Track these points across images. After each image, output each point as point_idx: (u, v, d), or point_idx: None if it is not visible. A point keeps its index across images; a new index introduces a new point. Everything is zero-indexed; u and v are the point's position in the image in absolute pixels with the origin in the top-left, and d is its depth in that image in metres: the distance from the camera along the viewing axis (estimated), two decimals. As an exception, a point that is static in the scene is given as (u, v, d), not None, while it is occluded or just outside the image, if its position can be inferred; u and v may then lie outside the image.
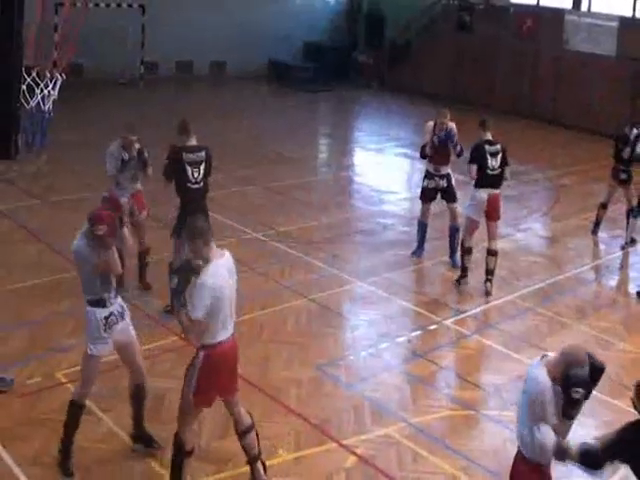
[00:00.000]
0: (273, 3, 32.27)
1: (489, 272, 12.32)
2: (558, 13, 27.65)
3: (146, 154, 10.98)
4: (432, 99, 28.42)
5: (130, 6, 28.06)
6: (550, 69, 27.62)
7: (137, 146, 10.98)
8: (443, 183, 13.08)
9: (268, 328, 10.63)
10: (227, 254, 6.99)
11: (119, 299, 7.58)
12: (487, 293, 12.24)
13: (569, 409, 5.61)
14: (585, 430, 8.67)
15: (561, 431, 5.68)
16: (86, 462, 7.57)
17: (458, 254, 12.94)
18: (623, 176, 14.83)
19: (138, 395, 7.82)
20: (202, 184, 10.40)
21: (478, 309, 11.75)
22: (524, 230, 15.75)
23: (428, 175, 13.19)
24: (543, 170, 20.77)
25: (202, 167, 10.33)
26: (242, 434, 7.31)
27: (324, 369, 9.66)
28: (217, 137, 20.45)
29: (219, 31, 30.38)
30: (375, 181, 18.85)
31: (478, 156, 11.95)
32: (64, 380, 8.90)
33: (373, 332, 10.85)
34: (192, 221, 6.98)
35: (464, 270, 12.55)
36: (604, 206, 15.24)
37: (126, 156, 10.89)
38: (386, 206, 16.68)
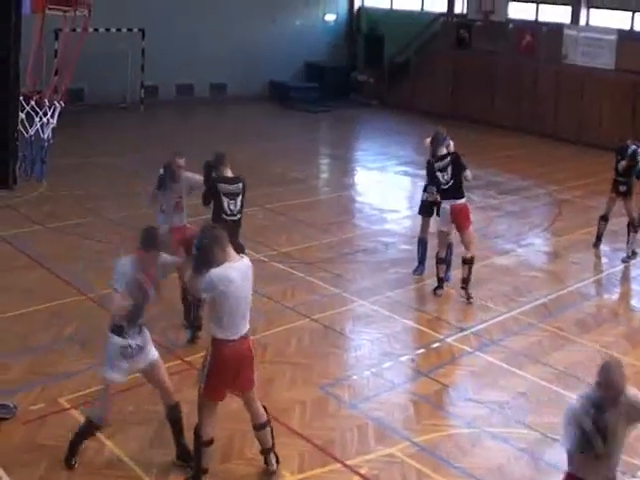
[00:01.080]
0: (272, 24, 32.40)
1: (464, 280, 12.52)
2: (557, 28, 27.77)
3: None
4: (432, 117, 28.50)
5: (130, 30, 28.20)
6: (550, 84, 27.71)
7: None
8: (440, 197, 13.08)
9: (271, 349, 10.62)
10: (245, 260, 7.37)
11: (143, 332, 7.65)
12: (468, 298, 12.45)
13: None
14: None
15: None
16: (90, 488, 7.57)
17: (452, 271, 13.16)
18: (622, 188, 14.84)
19: (172, 415, 7.96)
20: (238, 216, 10.38)
21: (480, 326, 11.73)
22: (526, 245, 15.75)
23: (426, 189, 13.24)
24: (544, 185, 20.78)
25: (239, 199, 10.31)
26: (257, 428, 7.73)
27: (327, 389, 9.64)
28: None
29: (219, 53, 30.54)
30: (376, 200, 18.89)
31: (430, 174, 12.54)
32: (68, 406, 8.88)
33: (376, 351, 10.83)
34: (210, 229, 7.40)
35: (439, 280, 12.71)
36: (604, 219, 15.25)
37: (161, 171, 10.82)
38: (388, 225, 16.70)
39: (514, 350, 10.94)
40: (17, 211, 16.16)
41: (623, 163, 14.61)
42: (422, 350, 10.90)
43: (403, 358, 10.63)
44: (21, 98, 17.58)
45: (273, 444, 7.83)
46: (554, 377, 10.19)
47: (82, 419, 8.41)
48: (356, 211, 18.26)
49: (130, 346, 7.52)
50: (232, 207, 10.29)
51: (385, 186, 20.67)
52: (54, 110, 18.20)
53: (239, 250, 8.73)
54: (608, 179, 15.59)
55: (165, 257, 7.72)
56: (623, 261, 14.65)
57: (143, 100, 29.00)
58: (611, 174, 15.20)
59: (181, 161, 10.89)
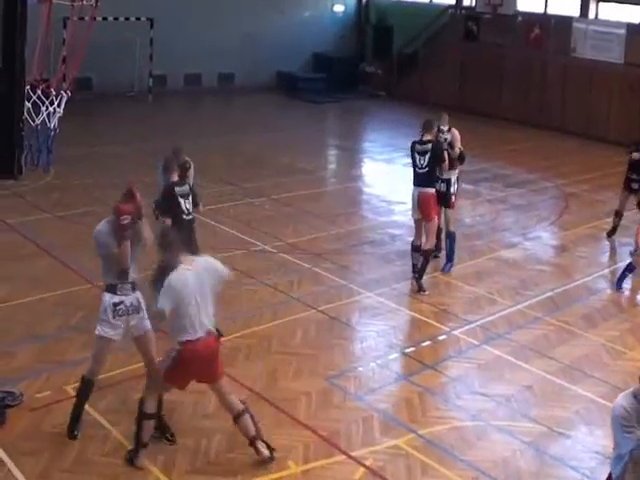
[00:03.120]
0: (281, 14, 32.35)
1: (417, 270, 12.50)
2: (565, 21, 27.66)
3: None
4: (440, 109, 28.40)
5: (138, 19, 28.16)
6: (558, 77, 27.61)
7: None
8: (442, 187, 13.04)
9: (277, 340, 10.63)
10: (197, 261, 7.69)
11: (137, 293, 8.03)
12: (419, 290, 12.41)
13: None
14: (593, 439, 8.70)
15: None
16: (95, 476, 7.58)
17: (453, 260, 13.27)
18: (635, 186, 14.84)
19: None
20: (191, 216, 10.67)
21: (487, 319, 11.72)
22: (533, 239, 15.72)
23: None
24: (551, 178, 20.74)
25: (190, 198, 10.64)
26: (235, 419, 7.84)
27: (333, 380, 9.65)
28: (226, 149, 20.54)
29: (227, 43, 30.48)
30: (384, 191, 18.86)
31: (411, 155, 12.50)
32: (74, 394, 8.86)
33: (382, 343, 10.83)
34: (164, 234, 7.97)
35: (413, 266, 12.69)
36: (617, 214, 15.23)
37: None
38: (395, 216, 16.68)
39: (520, 343, 10.93)
40: (24, 199, 16.18)
41: (636, 155, 14.59)
42: (428, 342, 10.90)
43: (409, 350, 10.63)
44: (28, 87, 17.67)
45: (257, 430, 7.87)
46: (560, 371, 10.19)
47: (87, 407, 8.48)
48: (363, 202, 18.24)
49: (123, 303, 7.90)
50: (188, 206, 10.57)
51: (392, 178, 20.63)
52: (61, 99, 18.20)
53: (196, 250, 9.34)
54: (615, 173, 15.58)
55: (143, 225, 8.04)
56: (630, 254, 14.52)
57: (151, 89, 28.95)
58: (618, 168, 15.17)
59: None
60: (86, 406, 8.47)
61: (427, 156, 12.25)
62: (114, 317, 7.90)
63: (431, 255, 12.65)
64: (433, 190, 12.46)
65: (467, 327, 11.41)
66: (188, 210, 10.55)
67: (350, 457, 8.12)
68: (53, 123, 18.26)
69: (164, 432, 8.20)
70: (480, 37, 30.11)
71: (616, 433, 5.88)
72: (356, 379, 9.77)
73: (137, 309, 8.01)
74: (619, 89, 25.86)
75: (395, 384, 9.82)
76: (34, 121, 18.18)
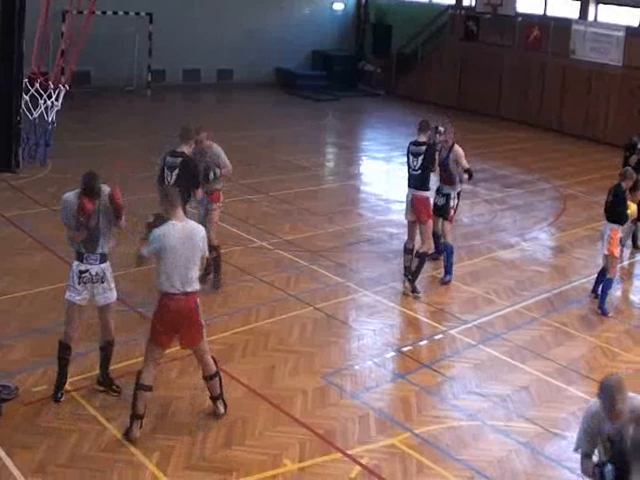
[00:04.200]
0: (280, 11, 32.36)
1: (412, 272, 12.44)
2: (565, 23, 27.70)
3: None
4: (439, 108, 28.49)
5: (138, 14, 28.15)
6: (557, 79, 27.65)
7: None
8: (441, 200, 13.01)
9: (274, 337, 10.62)
10: (191, 223, 8.24)
11: (104, 265, 8.51)
12: (412, 291, 12.34)
13: None
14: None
15: None
16: (90, 470, 7.56)
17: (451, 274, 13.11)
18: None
19: (106, 349, 8.88)
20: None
21: (484, 319, 11.73)
22: (530, 239, 15.73)
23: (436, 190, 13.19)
24: (549, 179, 20.77)
25: (174, 173, 10.86)
26: (207, 379, 8.46)
27: (329, 378, 9.64)
28: (223, 145, 20.45)
29: (226, 39, 30.51)
30: (382, 190, 18.87)
31: (407, 156, 12.49)
32: (69, 388, 8.88)
33: (379, 342, 10.83)
34: (164, 188, 8.70)
35: (404, 269, 12.66)
36: None
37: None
38: (393, 215, 16.66)
39: (517, 344, 10.94)
40: (22, 193, 16.16)
41: (634, 157, 14.59)
42: (425, 341, 10.91)
43: (406, 349, 10.63)
44: (26, 80, 17.62)
45: (221, 392, 8.52)
46: (556, 371, 10.20)
47: (83, 402, 8.48)
48: (361, 201, 18.23)
49: (88, 272, 8.43)
50: (169, 179, 10.86)
51: (390, 176, 20.66)
52: (59, 93, 18.15)
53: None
54: (614, 175, 15.49)
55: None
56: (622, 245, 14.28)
57: (150, 84, 28.95)
58: (616, 170, 15.13)
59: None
60: (82, 401, 8.48)
61: (420, 158, 12.17)
62: (79, 283, 8.43)
63: (424, 258, 12.50)
64: (427, 193, 12.38)
65: (464, 327, 11.41)
66: (169, 182, 10.77)
67: (346, 455, 8.11)
68: (51, 117, 18.21)
69: (109, 388, 8.85)
70: (480, 37, 30.14)
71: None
72: (352, 377, 9.77)
73: (102, 279, 8.49)
74: (617, 91, 25.91)
75: (391, 383, 9.82)
76: (32, 114, 18.14)
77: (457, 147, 12.95)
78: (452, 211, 13.09)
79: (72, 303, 8.54)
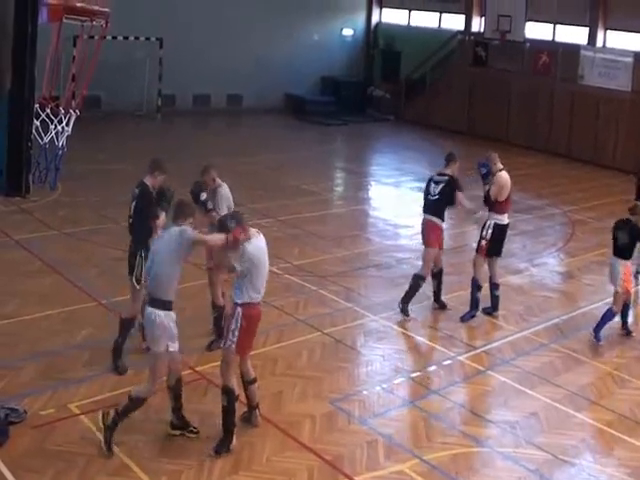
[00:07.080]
0: (290, 37, 32.48)
1: (434, 295, 12.87)
2: (573, 49, 27.76)
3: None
4: (448, 134, 28.56)
5: (148, 39, 28.31)
6: (565, 104, 27.68)
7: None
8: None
9: (282, 362, 10.60)
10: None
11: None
12: (401, 311, 12.39)
13: None
14: (598, 467, 8.64)
15: None
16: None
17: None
18: None
19: (177, 388, 8.64)
20: (131, 221, 10.15)
21: (492, 345, 11.69)
22: (539, 265, 15.71)
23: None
24: (558, 205, 20.75)
25: (132, 204, 10.12)
26: (247, 385, 8.71)
27: (338, 404, 9.61)
28: (233, 170, 20.54)
29: (236, 65, 30.60)
30: (390, 215, 18.86)
31: (426, 185, 12.53)
32: (78, 412, 8.88)
33: (387, 367, 10.80)
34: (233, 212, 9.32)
35: (433, 293, 12.95)
36: None
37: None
38: (401, 240, 16.67)
39: (526, 370, 10.89)
40: (32, 216, 16.20)
41: None
42: (433, 367, 10.87)
43: (414, 375, 10.59)
44: (37, 105, 17.71)
45: (257, 402, 8.80)
46: (565, 398, 10.14)
47: (92, 425, 8.46)
48: (370, 226, 18.24)
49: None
50: (130, 211, 10.17)
51: (399, 201, 20.66)
52: (69, 118, 18.24)
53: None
54: (623, 200, 15.56)
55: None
56: (635, 275, 14.24)
57: (160, 109, 29.09)
58: (626, 196, 15.14)
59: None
60: (90, 425, 8.47)
61: (441, 185, 12.20)
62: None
63: (419, 281, 12.42)
64: (440, 222, 12.34)
65: (472, 352, 11.37)
66: (130, 213, 10.16)
67: (354, 481, 8.08)
68: (61, 142, 18.29)
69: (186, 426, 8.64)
70: (488, 63, 30.25)
71: None
72: (361, 403, 9.73)
73: None
74: (626, 117, 25.91)
75: (400, 409, 9.77)
76: (42, 139, 18.22)
77: (497, 176, 12.62)
78: (483, 242, 12.59)
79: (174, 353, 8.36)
